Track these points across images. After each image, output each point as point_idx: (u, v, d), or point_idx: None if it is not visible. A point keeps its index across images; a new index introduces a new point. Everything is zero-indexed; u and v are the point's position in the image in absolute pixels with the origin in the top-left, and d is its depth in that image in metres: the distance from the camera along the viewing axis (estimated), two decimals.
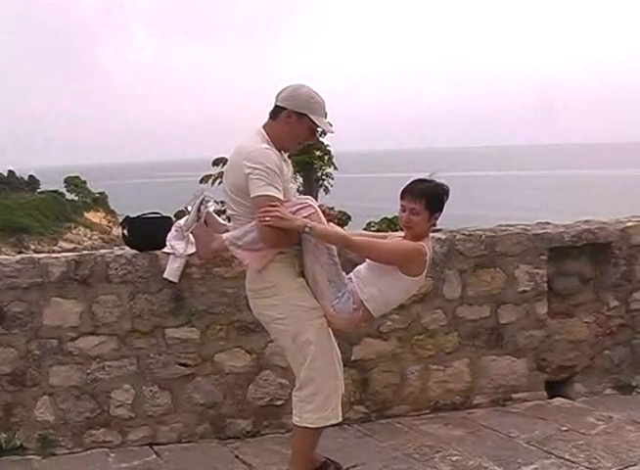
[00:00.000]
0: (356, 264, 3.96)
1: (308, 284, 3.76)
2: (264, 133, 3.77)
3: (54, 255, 4.88)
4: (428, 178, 3.83)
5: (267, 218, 3.52)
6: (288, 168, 3.84)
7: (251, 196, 3.58)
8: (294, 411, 3.80)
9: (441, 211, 3.79)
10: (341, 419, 3.83)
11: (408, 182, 3.81)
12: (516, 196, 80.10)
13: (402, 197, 3.76)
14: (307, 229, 3.57)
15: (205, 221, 4.00)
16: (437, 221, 3.84)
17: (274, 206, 3.54)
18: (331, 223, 3.93)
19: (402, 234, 3.87)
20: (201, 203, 3.96)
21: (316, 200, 4.45)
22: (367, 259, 3.87)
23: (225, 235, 3.83)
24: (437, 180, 3.81)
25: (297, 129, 3.78)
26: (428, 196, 3.71)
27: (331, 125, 3.90)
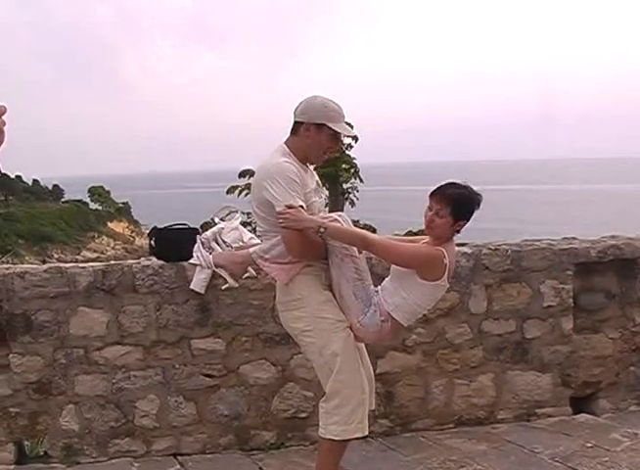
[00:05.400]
0: (383, 278, 3.95)
1: (335, 297, 3.77)
2: (285, 147, 3.81)
3: (81, 264, 4.92)
4: (462, 183, 3.71)
5: (282, 220, 3.53)
6: (312, 180, 3.86)
7: (277, 210, 3.60)
8: (320, 423, 3.80)
9: (468, 220, 3.67)
10: (366, 433, 3.80)
11: (442, 183, 3.69)
12: (517, 210, 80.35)
13: (431, 196, 3.66)
14: (322, 230, 3.55)
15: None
16: (462, 229, 3.72)
17: (290, 207, 3.55)
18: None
19: (428, 239, 3.83)
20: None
21: None
22: (391, 267, 3.86)
23: (252, 249, 3.84)
24: (471, 188, 3.70)
25: (318, 140, 3.79)
26: (456, 202, 3.60)
27: (352, 127, 3.89)
